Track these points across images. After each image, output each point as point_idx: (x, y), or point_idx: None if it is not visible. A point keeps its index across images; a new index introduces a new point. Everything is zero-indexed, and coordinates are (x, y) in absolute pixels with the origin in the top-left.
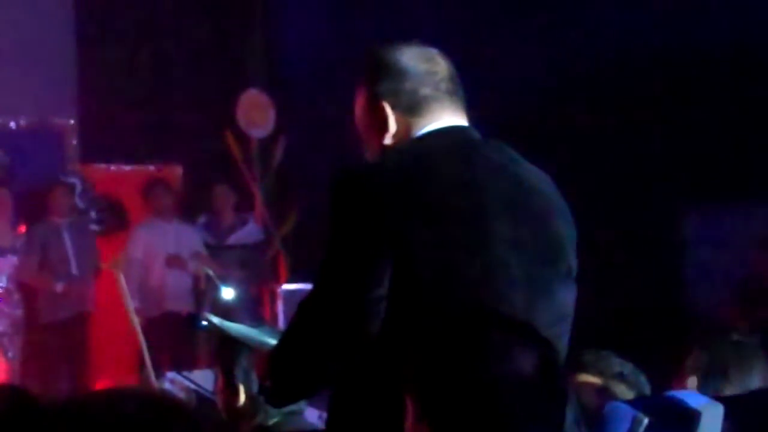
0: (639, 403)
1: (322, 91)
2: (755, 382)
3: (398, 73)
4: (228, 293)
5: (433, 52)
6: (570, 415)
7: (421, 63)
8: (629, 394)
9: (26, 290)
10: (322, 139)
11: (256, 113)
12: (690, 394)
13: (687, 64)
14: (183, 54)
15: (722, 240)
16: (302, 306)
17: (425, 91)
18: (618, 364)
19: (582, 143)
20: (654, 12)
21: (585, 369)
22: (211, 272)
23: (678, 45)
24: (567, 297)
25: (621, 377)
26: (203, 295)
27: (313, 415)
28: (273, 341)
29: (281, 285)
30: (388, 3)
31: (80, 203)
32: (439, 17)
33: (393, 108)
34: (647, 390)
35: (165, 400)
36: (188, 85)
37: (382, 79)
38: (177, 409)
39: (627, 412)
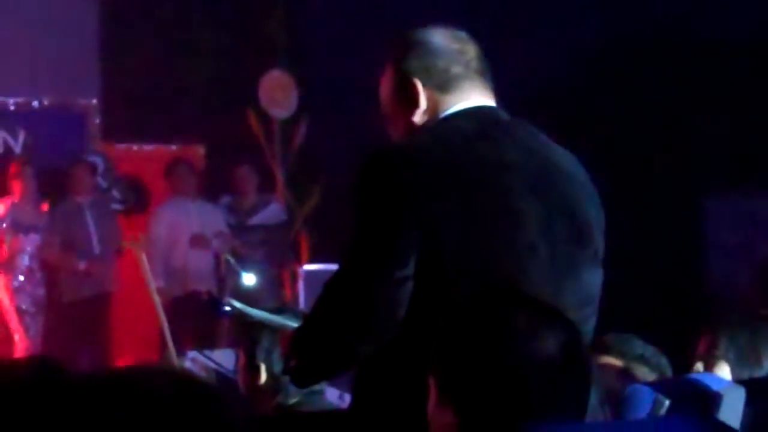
0: (660, 385)
1: (344, 73)
2: None
3: (430, 51)
4: (249, 279)
5: (462, 34)
6: (595, 396)
7: (453, 42)
8: (651, 376)
9: (48, 269)
10: (344, 121)
11: (278, 93)
12: (711, 377)
13: (708, 52)
14: (206, 34)
15: (743, 223)
16: (328, 285)
17: (456, 69)
18: (640, 347)
19: (603, 128)
20: (673, 5)
21: (607, 351)
22: (231, 259)
23: (697, 35)
24: (594, 279)
25: (642, 359)
26: (224, 279)
27: (333, 394)
28: (297, 324)
29: (303, 265)
30: None
31: (102, 182)
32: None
33: (424, 85)
34: (669, 372)
35: (187, 377)
36: (211, 66)
37: (414, 57)
38: (199, 386)
39: (648, 395)
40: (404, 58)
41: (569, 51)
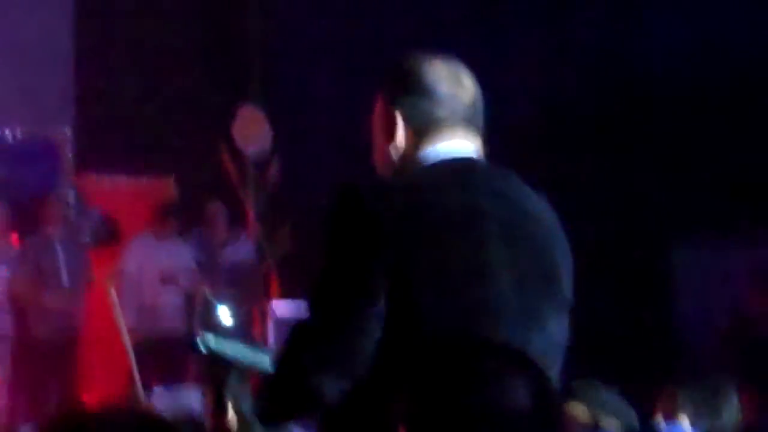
0: None
1: (318, 110)
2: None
3: (420, 91)
4: (225, 315)
5: (461, 72)
6: None
7: (446, 84)
8: (616, 424)
9: (17, 303)
10: (317, 158)
11: (252, 130)
12: (675, 428)
13: (682, 97)
14: (180, 69)
15: (712, 272)
16: (296, 324)
17: (442, 113)
18: (605, 395)
19: (574, 176)
20: (654, 46)
21: (574, 398)
22: (208, 291)
23: (675, 78)
24: (561, 327)
25: (608, 407)
26: (197, 314)
27: None
28: (268, 363)
29: (272, 303)
30: (390, 16)
31: (73, 215)
32: (442, 32)
33: (405, 121)
34: (635, 421)
35: (153, 417)
36: (184, 100)
37: (402, 90)
38: (163, 425)
39: None
40: (393, 88)
41: (546, 98)
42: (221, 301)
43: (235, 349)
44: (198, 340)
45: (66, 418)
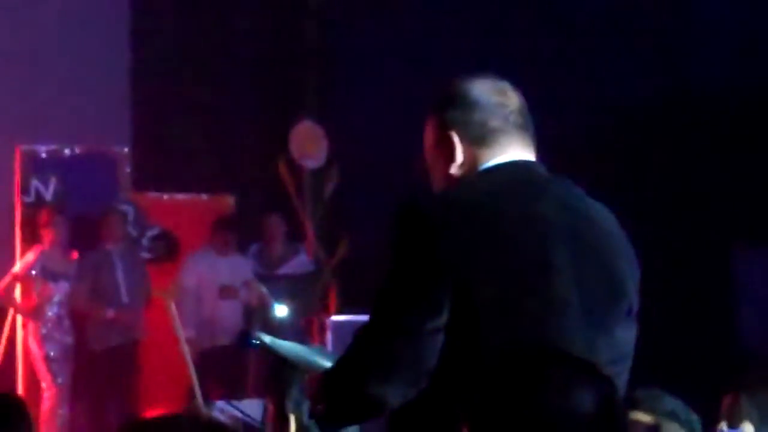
0: None
1: (375, 123)
2: None
3: (468, 104)
4: (281, 311)
5: (505, 85)
6: None
7: (492, 95)
8: None
9: (77, 317)
10: (374, 172)
11: (309, 144)
12: None
13: (749, 98)
14: (236, 85)
15: None
16: (359, 333)
17: (494, 123)
18: (670, 403)
19: (638, 180)
20: (720, 46)
21: (637, 406)
22: (264, 289)
23: (739, 79)
24: (627, 335)
25: (673, 416)
26: (255, 313)
27: None
28: (325, 362)
29: (330, 316)
30: (443, 33)
31: (132, 231)
32: (500, 47)
33: (461, 138)
34: (699, 429)
35: (216, 427)
36: (242, 116)
37: (452, 109)
38: None
39: None
40: (444, 110)
41: (605, 102)
42: (278, 301)
43: (291, 347)
44: (251, 334)
45: (130, 428)
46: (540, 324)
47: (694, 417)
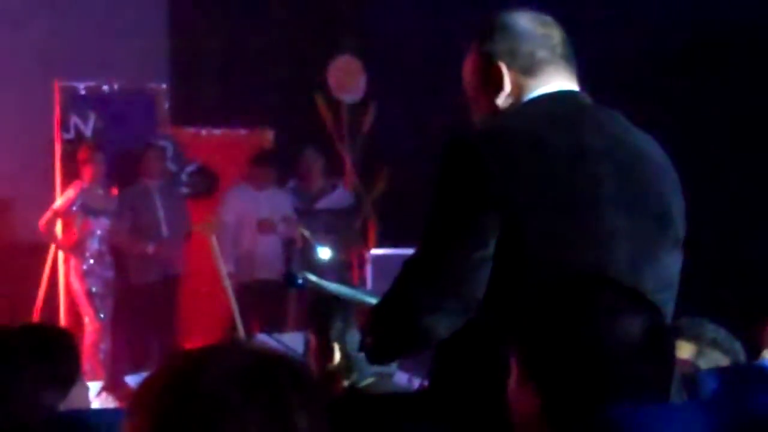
0: (728, 372)
1: (413, 58)
2: None
3: (516, 35)
4: (325, 253)
5: (548, 18)
6: (675, 380)
7: (538, 26)
8: (724, 361)
9: (118, 252)
10: (413, 106)
11: (347, 78)
12: None
13: None
14: (275, 19)
15: None
16: (407, 263)
17: (541, 53)
18: (713, 330)
19: (689, 110)
20: None
21: (680, 335)
22: (306, 232)
23: None
24: (673, 264)
25: (716, 344)
26: (297, 254)
27: (403, 378)
28: (372, 299)
29: (370, 250)
30: None
31: (172, 166)
32: None
33: (508, 68)
34: (742, 357)
35: (269, 352)
36: (280, 50)
37: (500, 40)
38: (281, 360)
39: (715, 381)
40: (489, 41)
41: (655, 35)
42: (320, 243)
43: (335, 286)
44: (297, 274)
45: (176, 357)
46: (588, 253)
47: (737, 345)
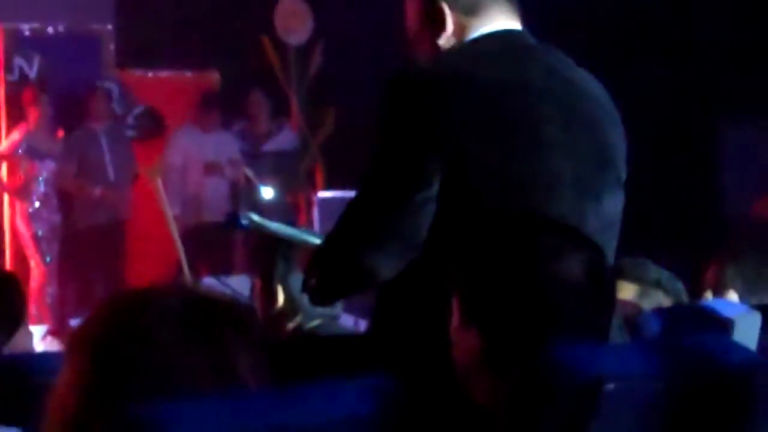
0: (671, 311)
1: None
2: None
3: None
4: (267, 192)
5: None
6: (615, 321)
7: None
8: (666, 302)
9: (64, 195)
10: (359, 47)
11: (293, 20)
12: (725, 303)
13: None
14: None
15: (761, 149)
16: (350, 205)
17: None
18: (655, 271)
19: (623, 53)
20: None
21: (622, 276)
22: (249, 172)
23: None
24: (615, 204)
25: (658, 284)
26: (241, 196)
27: (348, 320)
28: (315, 239)
29: (317, 192)
30: None
31: (117, 109)
32: None
33: (450, 9)
34: (684, 297)
35: (209, 295)
36: None
37: None
38: (222, 303)
39: (658, 321)
40: None
41: None
42: (264, 184)
43: (279, 227)
44: (241, 215)
45: (115, 298)
46: (531, 194)
47: (680, 285)
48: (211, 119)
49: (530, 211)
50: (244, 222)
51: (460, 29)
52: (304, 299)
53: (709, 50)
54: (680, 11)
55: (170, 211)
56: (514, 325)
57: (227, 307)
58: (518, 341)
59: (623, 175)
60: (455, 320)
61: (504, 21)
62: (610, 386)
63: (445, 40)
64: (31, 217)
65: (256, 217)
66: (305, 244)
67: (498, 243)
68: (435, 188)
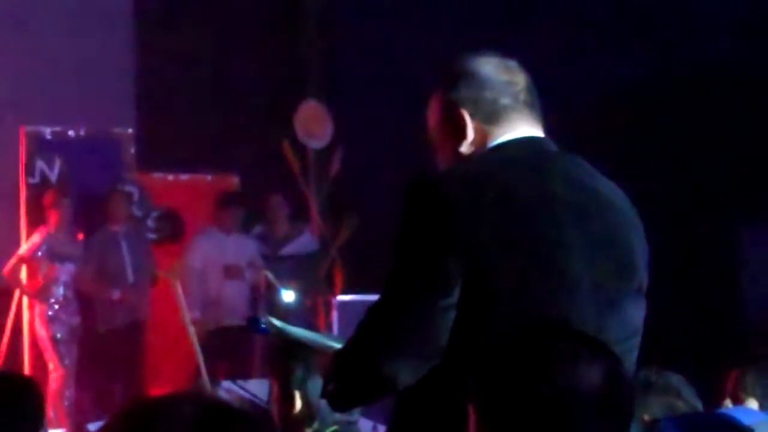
0: (690, 420)
1: (380, 103)
2: None
3: (479, 82)
4: (288, 296)
5: (512, 64)
6: (635, 429)
7: (501, 73)
8: (683, 408)
9: (84, 298)
10: (379, 151)
11: (313, 124)
12: (742, 411)
13: (750, 78)
14: (240, 65)
15: None
16: (370, 310)
17: (504, 100)
18: (677, 380)
19: (642, 160)
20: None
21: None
22: (271, 276)
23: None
24: (637, 313)
25: (679, 395)
26: (261, 299)
27: (366, 426)
28: (337, 344)
29: (336, 296)
30: (445, 15)
31: (137, 211)
32: (502, 22)
33: (471, 116)
34: (699, 404)
35: (223, 404)
36: (246, 96)
37: (462, 87)
38: (236, 413)
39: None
40: (452, 88)
41: (613, 80)
42: (284, 287)
43: (299, 331)
44: (261, 319)
45: (132, 407)
46: (550, 302)
47: (693, 391)
48: (230, 218)
49: (548, 320)
50: (265, 326)
51: (482, 136)
52: (323, 404)
53: (730, 149)
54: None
55: (188, 314)
56: None
57: (244, 416)
58: None
59: (645, 283)
60: (472, 428)
61: (526, 128)
62: None
63: (467, 147)
64: (50, 320)
65: (276, 322)
66: (325, 349)
67: (514, 351)
68: (455, 295)
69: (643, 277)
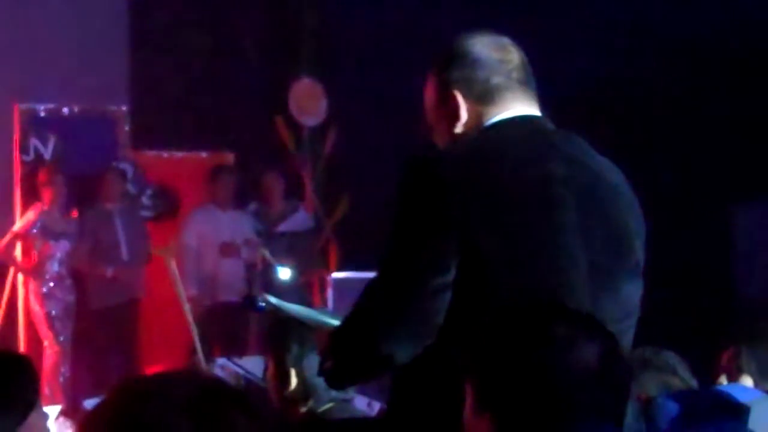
0: (687, 397)
1: (374, 80)
2: None
3: (470, 62)
4: (285, 273)
5: (506, 41)
6: (631, 410)
7: (494, 52)
8: (679, 386)
9: (78, 276)
10: (374, 128)
11: (308, 101)
12: (740, 388)
13: (744, 58)
14: (235, 41)
15: None
16: (367, 289)
17: (497, 79)
18: (672, 358)
19: (636, 138)
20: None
21: (646, 367)
22: (267, 254)
23: (734, 38)
24: (633, 291)
25: (675, 372)
26: (258, 277)
27: (362, 402)
28: (333, 321)
29: (331, 273)
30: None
31: (132, 189)
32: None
33: (464, 96)
34: (693, 381)
35: (217, 383)
36: (240, 73)
37: (454, 68)
38: (230, 392)
39: (674, 407)
40: (445, 69)
41: (608, 55)
42: (281, 264)
43: (296, 308)
44: (258, 297)
45: (125, 385)
46: (546, 281)
47: (688, 368)
48: (222, 189)
49: (544, 298)
50: (261, 304)
51: (476, 116)
52: (319, 382)
53: (721, 130)
54: (695, 87)
55: (184, 292)
56: (526, 413)
57: (239, 394)
58: (530, 429)
59: (641, 261)
60: (469, 407)
61: (521, 107)
62: None
63: (461, 127)
64: (45, 297)
65: (273, 299)
66: (322, 327)
67: (510, 330)
68: (451, 274)
69: (640, 256)
